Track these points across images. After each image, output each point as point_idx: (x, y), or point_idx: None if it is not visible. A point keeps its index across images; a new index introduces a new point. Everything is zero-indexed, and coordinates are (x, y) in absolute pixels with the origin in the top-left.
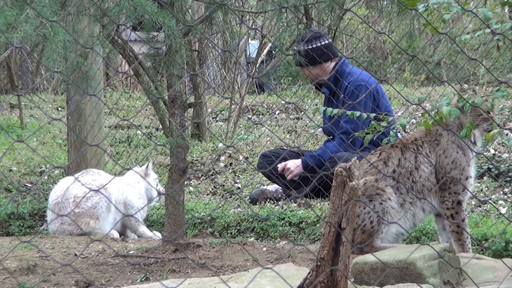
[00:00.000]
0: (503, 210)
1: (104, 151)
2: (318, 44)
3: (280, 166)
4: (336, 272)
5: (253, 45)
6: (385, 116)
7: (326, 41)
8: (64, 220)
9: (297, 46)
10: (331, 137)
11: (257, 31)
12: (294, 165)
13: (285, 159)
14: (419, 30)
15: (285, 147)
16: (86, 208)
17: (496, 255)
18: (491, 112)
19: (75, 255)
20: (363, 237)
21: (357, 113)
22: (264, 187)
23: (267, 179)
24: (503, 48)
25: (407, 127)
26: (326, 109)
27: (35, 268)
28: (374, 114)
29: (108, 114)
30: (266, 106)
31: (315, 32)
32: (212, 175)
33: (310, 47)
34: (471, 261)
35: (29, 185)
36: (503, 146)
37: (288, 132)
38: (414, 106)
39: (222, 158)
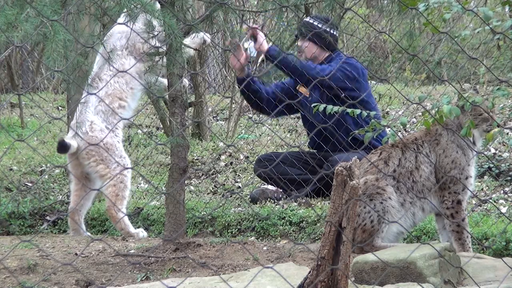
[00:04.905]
0: (503, 209)
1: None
2: (333, 32)
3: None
4: (337, 271)
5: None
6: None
7: (334, 32)
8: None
9: (312, 19)
10: (311, 130)
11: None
12: (264, 41)
13: (283, 162)
14: (420, 29)
15: (284, 148)
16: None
17: (497, 254)
18: (491, 112)
19: (76, 254)
20: (364, 236)
21: (357, 111)
22: (265, 186)
23: (264, 182)
24: (503, 47)
25: (407, 126)
26: (319, 105)
27: (35, 267)
28: (374, 112)
29: None
30: None
31: (330, 19)
32: (212, 174)
33: (327, 28)
34: (472, 260)
35: (30, 184)
36: (504, 145)
37: (289, 132)
38: (415, 105)
39: (223, 157)
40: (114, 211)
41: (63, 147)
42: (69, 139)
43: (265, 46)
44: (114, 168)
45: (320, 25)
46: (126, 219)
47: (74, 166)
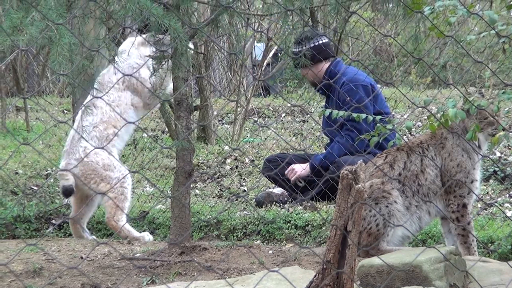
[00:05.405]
0: (509, 213)
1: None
2: (310, 45)
3: (286, 170)
4: (342, 275)
5: (259, 47)
6: (386, 117)
7: (318, 42)
8: (71, 161)
9: (294, 47)
10: (331, 138)
11: (263, 33)
12: (300, 167)
13: (290, 163)
14: (425, 33)
15: (289, 151)
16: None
17: (502, 258)
18: (496, 116)
19: (81, 257)
20: (369, 240)
21: (363, 116)
22: (270, 190)
23: (272, 183)
24: (508, 51)
25: (413, 130)
26: (325, 111)
27: (41, 271)
28: (380, 117)
29: None
30: (272, 109)
31: (308, 33)
32: (218, 177)
33: (299, 49)
34: (477, 264)
35: (35, 188)
36: (509, 148)
37: (294, 135)
38: (420, 108)
39: (228, 160)
40: (114, 222)
41: (68, 191)
42: (66, 178)
43: (304, 169)
44: (115, 182)
45: (300, 48)
46: (127, 226)
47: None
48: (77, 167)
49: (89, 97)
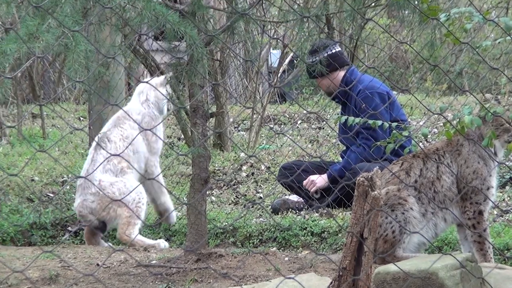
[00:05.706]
0: None
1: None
2: (324, 54)
3: (305, 181)
4: (358, 282)
5: (275, 54)
6: (403, 124)
7: (332, 51)
8: (87, 197)
9: (307, 58)
10: (347, 146)
11: (278, 40)
12: (319, 178)
13: (306, 170)
14: (441, 39)
15: (305, 158)
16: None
17: None
18: None
19: (97, 264)
20: (385, 246)
21: (379, 122)
22: (286, 197)
23: (287, 190)
24: None
25: (429, 136)
26: (340, 118)
27: (57, 278)
28: (395, 124)
29: None
30: (288, 116)
31: (321, 42)
32: (234, 184)
33: (314, 59)
34: (493, 271)
35: (51, 195)
36: None
37: (310, 142)
38: (436, 115)
39: (244, 167)
40: (126, 236)
41: (104, 228)
42: (89, 220)
43: (323, 179)
44: (131, 203)
45: (315, 58)
46: (139, 237)
47: None
48: (94, 201)
49: (105, 128)
